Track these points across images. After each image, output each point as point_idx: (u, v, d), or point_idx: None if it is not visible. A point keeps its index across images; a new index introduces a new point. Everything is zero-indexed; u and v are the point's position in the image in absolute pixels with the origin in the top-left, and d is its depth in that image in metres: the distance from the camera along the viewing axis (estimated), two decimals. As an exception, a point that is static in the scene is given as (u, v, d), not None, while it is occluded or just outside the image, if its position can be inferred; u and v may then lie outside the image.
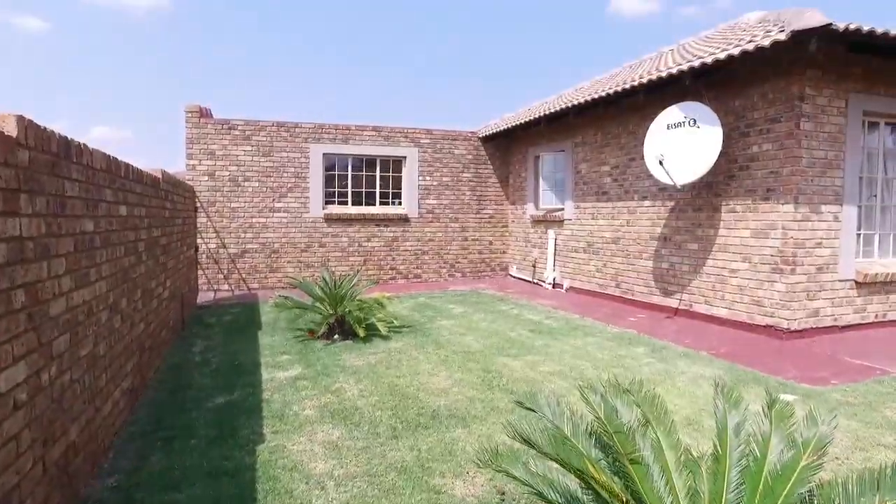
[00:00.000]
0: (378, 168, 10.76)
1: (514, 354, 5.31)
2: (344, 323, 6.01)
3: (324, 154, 10.28)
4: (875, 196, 6.31)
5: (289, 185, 10.11)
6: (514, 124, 10.13)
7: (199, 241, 9.41)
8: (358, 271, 8.24)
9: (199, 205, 9.48)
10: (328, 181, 10.44)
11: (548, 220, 10.17)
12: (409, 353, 5.32)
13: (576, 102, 8.21)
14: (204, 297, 9.01)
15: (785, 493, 1.76)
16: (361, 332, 5.79)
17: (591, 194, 8.89)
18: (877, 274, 6.02)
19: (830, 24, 4.79)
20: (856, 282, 6.00)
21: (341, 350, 5.47)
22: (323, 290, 6.32)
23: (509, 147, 11.54)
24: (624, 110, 7.96)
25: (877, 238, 6.36)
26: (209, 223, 9.66)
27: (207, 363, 5.01)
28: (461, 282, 10.85)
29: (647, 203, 7.69)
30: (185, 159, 9.60)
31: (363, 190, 10.71)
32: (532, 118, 9.50)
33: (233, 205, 9.82)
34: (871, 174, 6.30)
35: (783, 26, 5.26)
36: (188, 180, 9.42)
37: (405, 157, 10.81)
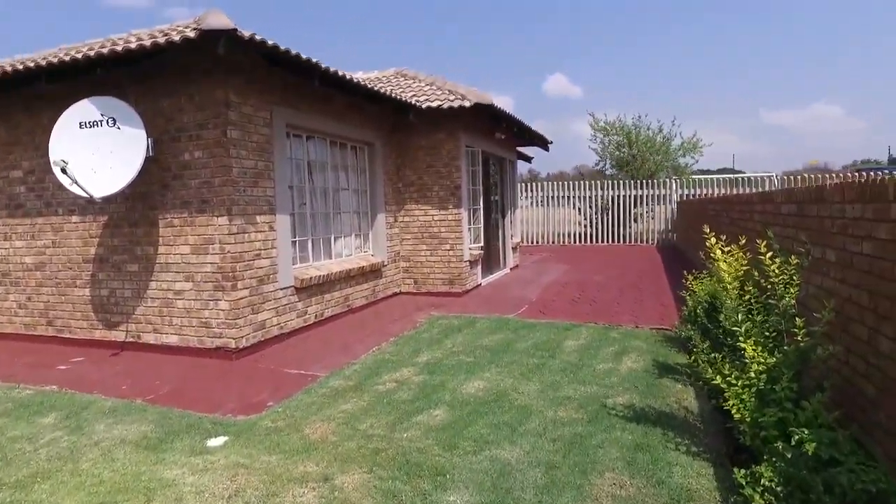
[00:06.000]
0: None
1: None
2: None
3: None
4: (305, 204, 6.73)
5: None
6: None
7: None
8: None
9: None
10: None
11: (-58, 244, 7.31)
12: None
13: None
14: None
15: None
16: None
17: (2, 208, 6.74)
18: (312, 277, 6.42)
19: (235, 29, 4.56)
20: (296, 288, 6.23)
21: None
22: None
23: None
24: (38, 101, 6.21)
25: (310, 243, 6.83)
26: None
27: None
28: None
29: (76, 218, 6.22)
30: None
31: None
32: None
33: None
34: (301, 183, 6.68)
35: (198, 25, 4.81)
36: None
37: None
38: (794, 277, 2.87)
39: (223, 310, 5.41)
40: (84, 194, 5.20)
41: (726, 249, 3.48)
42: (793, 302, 2.86)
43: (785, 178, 17.67)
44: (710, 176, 19.10)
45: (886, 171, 15.25)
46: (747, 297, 3.33)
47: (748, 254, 3.52)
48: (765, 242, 3.01)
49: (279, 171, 6.00)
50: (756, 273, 3.18)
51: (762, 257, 2.97)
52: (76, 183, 5.11)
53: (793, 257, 2.88)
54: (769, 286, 2.98)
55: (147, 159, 5.44)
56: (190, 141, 5.50)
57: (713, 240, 3.37)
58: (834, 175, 16.76)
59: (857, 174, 16.23)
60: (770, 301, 2.96)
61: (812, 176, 16.97)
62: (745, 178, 17.36)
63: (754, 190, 16.30)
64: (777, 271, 2.87)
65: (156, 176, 5.65)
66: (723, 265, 3.31)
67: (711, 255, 3.39)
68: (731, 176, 19.68)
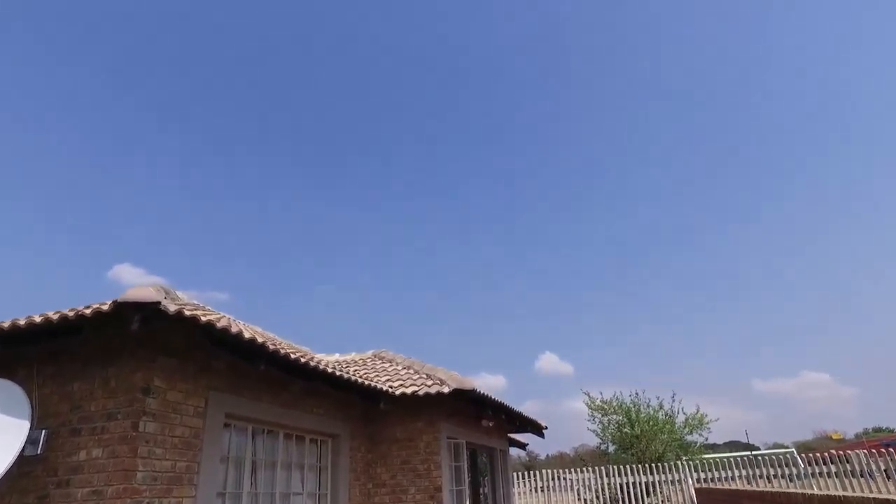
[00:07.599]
0: None
1: None
2: None
3: None
4: (238, 517, 5.21)
5: None
6: None
7: None
8: None
9: None
10: None
11: None
12: None
13: None
14: None
15: None
16: None
17: None
18: None
19: (158, 302, 3.82)
20: None
21: None
22: None
23: None
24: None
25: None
26: None
27: None
28: None
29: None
30: None
31: None
32: None
33: None
34: (238, 489, 5.26)
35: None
36: None
37: None
38: None
39: None
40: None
41: None
42: None
43: (805, 455, 16.00)
44: (725, 455, 17.39)
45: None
46: None
47: None
48: None
49: (206, 473, 4.69)
50: None
51: None
52: None
53: None
54: None
55: (32, 459, 4.27)
56: (92, 435, 4.34)
57: None
58: (855, 454, 15.01)
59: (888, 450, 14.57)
60: None
61: (837, 453, 15.27)
62: (764, 458, 15.60)
63: (777, 471, 14.50)
64: None
65: (37, 482, 4.34)
66: None
67: None
68: (748, 454, 17.94)
